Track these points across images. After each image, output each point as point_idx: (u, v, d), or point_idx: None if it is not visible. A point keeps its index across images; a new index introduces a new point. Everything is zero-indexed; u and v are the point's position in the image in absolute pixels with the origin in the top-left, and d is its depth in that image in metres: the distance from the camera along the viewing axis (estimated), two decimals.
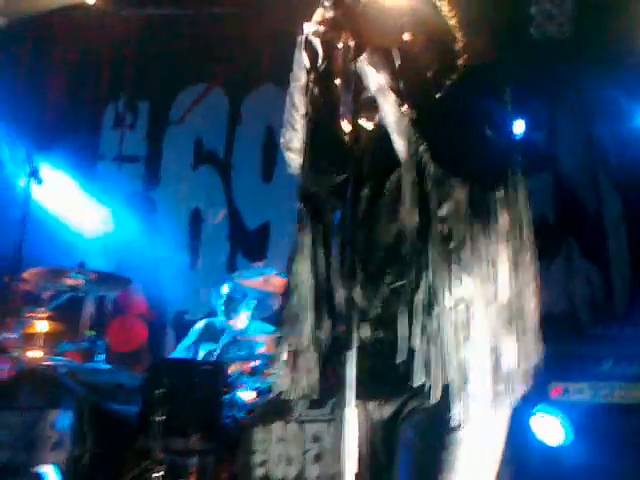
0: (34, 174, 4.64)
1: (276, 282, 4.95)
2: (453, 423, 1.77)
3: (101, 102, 6.65)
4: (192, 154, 6.51)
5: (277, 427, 3.82)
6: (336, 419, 2.43)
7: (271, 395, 3.99)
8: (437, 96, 1.89)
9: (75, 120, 6.45)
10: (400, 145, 1.82)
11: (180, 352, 4.80)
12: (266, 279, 4.92)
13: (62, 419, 4.14)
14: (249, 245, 6.21)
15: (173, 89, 6.58)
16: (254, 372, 4.32)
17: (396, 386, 1.89)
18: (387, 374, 1.88)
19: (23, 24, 6.25)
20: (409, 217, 1.83)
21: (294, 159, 2.02)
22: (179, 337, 5.21)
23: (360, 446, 1.67)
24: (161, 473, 3.93)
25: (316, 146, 1.97)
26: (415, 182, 1.82)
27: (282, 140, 2.03)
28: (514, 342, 1.83)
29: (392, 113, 1.82)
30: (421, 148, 1.79)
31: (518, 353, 1.82)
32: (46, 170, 4.93)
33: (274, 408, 3.87)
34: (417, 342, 1.78)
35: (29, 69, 6.34)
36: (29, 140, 5.40)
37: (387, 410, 1.98)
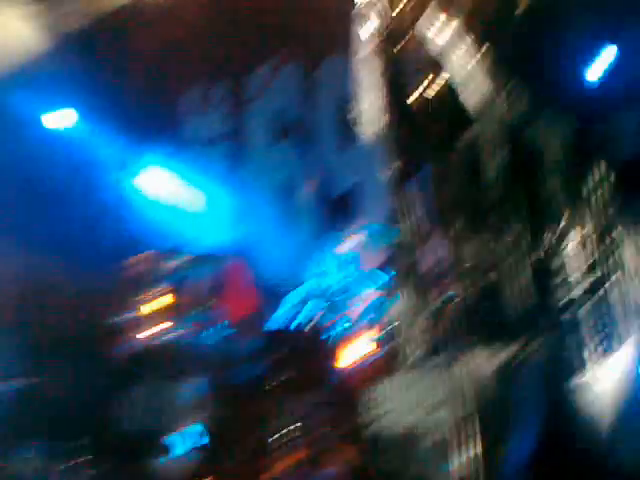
0: (131, 165, 4.92)
1: (369, 241, 5.10)
2: (579, 363, 1.82)
3: (183, 87, 6.87)
4: (274, 128, 6.67)
5: (395, 378, 3.97)
6: (454, 366, 2.56)
7: (387, 347, 4.16)
8: (513, 31, 1.90)
9: (161, 108, 6.69)
10: (477, 95, 1.84)
11: (287, 317, 5.02)
12: (359, 239, 5.07)
13: (191, 387, 4.45)
14: (339, 212, 6.36)
15: (250, 66, 6.73)
16: (363, 327, 4.49)
17: (514, 331, 1.96)
18: (502, 320, 1.97)
19: (101, 23, 6.50)
20: (493, 166, 1.87)
21: (368, 128, 2.09)
22: (283, 305, 5.43)
23: (483, 390, 1.75)
24: (282, 432, 4.18)
25: (389, 113, 2.04)
26: (497, 129, 1.85)
27: (353, 111, 2.12)
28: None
29: (465, 64, 1.84)
30: (508, 86, 1.81)
31: None
32: (141, 159, 5.20)
33: (390, 359, 4.04)
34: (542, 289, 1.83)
35: (113, 64, 6.60)
36: (123, 131, 5.67)
37: (504, 355, 2.06)
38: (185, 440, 4.47)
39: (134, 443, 4.38)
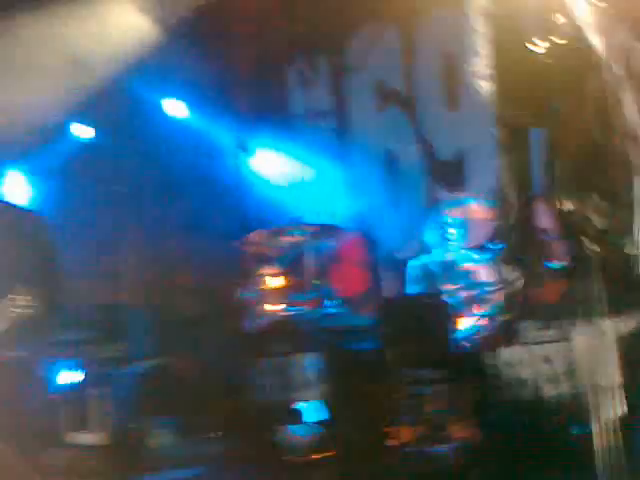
0: (243, 145, 5.05)
1: (479, 210, 4.98)
2: None
3: (282, 64, 6.94)
4: (376, 96, 6.61)
5: (507, 351, 3.89)
6: (571, 338, 2.47)
7: (499, 320, 4.09)
8: None
9: (264, 87, 6.80)
10: (602, 43, 1.77)
11: (402, 289, 5.02)
12: (469, 208, 4.97)
13: (309, 362, 4.57)
14: (446, 176, 6.24)
15: (346, 37, 6.68)
16: (477, 300, 4.43)
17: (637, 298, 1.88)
18: (625, 287, 1.88)
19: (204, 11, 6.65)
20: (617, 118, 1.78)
21: (484, 85, 2.03)
22: (395, 276, 5.43)
23: (615, 359, 1.70)
24: (402, 405, 4.20)
25: (506, 69, 1.97)
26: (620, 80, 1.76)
27: (470, 68, 2.05)
28: None
29: (590, 14, 1.76)
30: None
31: None
32: (254, 140, 5.32)
33: (503, 332, 3.96)
34: None
35: (217, 51, 6.76)
36: (233, 114, 5.83)
37: (630, 323, 1.98)
38: (307, 414, 4.61)
39: (259, 417, 4.56)
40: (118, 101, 6.06)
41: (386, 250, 5.97)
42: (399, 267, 5.14)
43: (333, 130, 6.72)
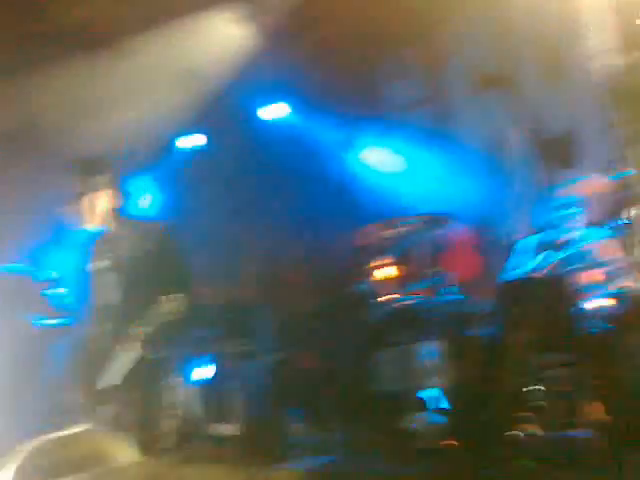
0: (349, 139, 5.17)
1: (597, 185, 4.85)
2: None
3: (377, 55, 7.00)
4: (474, 81, 6.55)
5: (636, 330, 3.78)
6: None
7: (628, 298, 3.98)
8: None
9: (362, 81, 6.89)
10: None
11: (517, 272, 4.95)
12: (585, 184, 4.84)
13: (430, 350, 4.62)
14: (557, 154, 6.10)
15: (442, 22, 6.64)
16: (603, 279, 4.31)
17: None
18: None
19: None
20: None
21: (597, 66, 1.99)
22: (512, 258, 5.37)
23: None
24: (525, 392, 4.13)
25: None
26: None
27: (586, 44, 2.03)
28: None
29: None
30: None
31: None
32: (358, 135, 5.43)
33: (633, 311, 3.85)
34: None
35: (310, 53, 6.89)
36: (339, 108, 5.96)
37: None
38: (428, 402, 4.66)
39: (384, 406, 4.67)
40: (228, 108, 6.34)
41: (500, 234, 5.92)
42: (515, 250, 5.08)
43: (438, 118, 6.73)
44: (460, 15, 6.54)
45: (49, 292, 4.77)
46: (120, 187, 3.82)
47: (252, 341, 5.56)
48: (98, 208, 3.76)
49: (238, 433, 4.87)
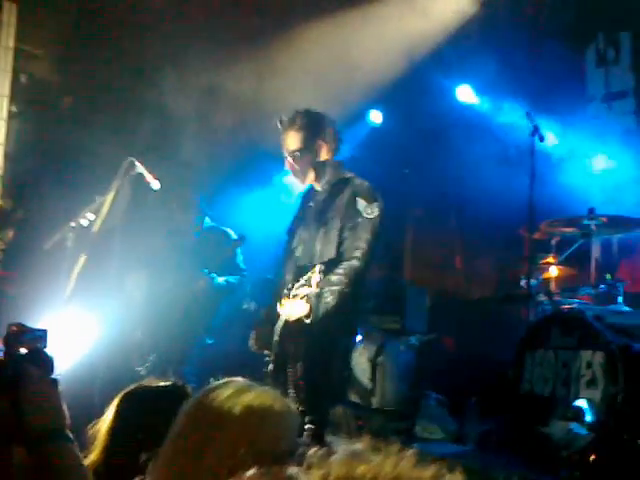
0: (536, 131, 4.92)
1: None
2: None
3: (581, 43, 6.59)
4: None
5: None
6: None
7: None
8: None
9: (560, 69, 6.53)
10: None
11: None
12: None
13: (593, 359, 4.35)
14: None
15: None
16: None
17: None
18: None
19: None
20: None
21: None
22: None
23: None
24: None
25: None
26: None
27: None
28: None
29: None
30: None
31: None
32: (544, 124, 5.17)
33: None
34: None
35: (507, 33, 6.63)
36: (526, 99, 5.72)
37: None
38: (577, 412, 4.42)
39: (534, 408, 4.49)
40: (412, 88, 6.29)
41: None
42: None
43: (632, 113, 6.24)
44: None
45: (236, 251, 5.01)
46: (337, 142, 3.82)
47: (403, 319, 5.57)
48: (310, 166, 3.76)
49: (378, 406, 4.92)
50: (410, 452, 1.17)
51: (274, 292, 3.82)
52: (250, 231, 5.09)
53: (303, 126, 3.76)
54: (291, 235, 3.90)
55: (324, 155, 3.78)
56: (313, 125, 3.78)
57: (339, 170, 3.81)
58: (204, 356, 4.89)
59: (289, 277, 3.74)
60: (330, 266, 3.49)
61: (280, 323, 3.64)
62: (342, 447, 1.17)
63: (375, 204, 3.65)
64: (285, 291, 3.61)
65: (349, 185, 3.72)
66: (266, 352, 3.74)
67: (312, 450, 1.19)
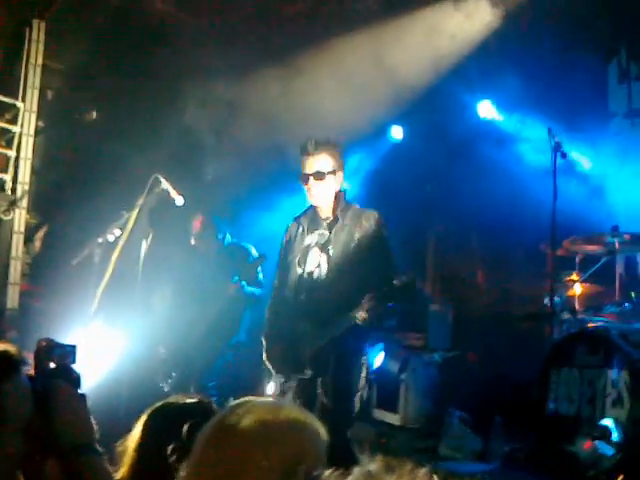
0: (558, 148, 4.90)
1: None
2: None
3: (603, 59, 6.57)
4: None
5: None
6: None
7: None
8: None
9: (583, 85, 6.51)
10: None
11: None
12: None
13: (619, 378, 4.31)
14: None
15: None
16: None
17: None
18: None
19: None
20: None
21: None
22: None
23: None
24: None
25: None
26: None
27: None
28: None
29: None
30: None
31: None
32: (566, 140, 5.15)
33: None
34: None
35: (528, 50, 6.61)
36: (548, 115, 5.71)
37: None
38: (603, 431, 4.38)
39: (559, 427, 4.46)
40: (434, 103, 6.29)
41: None
42: None
43: None
44: None
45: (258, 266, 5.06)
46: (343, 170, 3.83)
47: (427, 336, 5.56)
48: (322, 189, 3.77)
49: (402, 423, 4.91)
50: (422, 471, 1.17)
51: (278, 309, 3.83)
52: (270, 250, 5.14)
53: (336, 152, 3.78)
54: (291, 256, 3.87)
55: (340, 184, 3.82)
56: (342, 153, 3.82)
57: (346, 200, 3.85)
58: (227, 371, 4.90)
59: (302, 297, 3.74)
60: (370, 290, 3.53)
61: (301, 345, 3.64)
62: (356, 468, 1.18)
63: (386, 229, 3.78)
64: None
65: (364, 214, 3.78)
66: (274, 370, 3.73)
67: (327, 472, 1.19)
